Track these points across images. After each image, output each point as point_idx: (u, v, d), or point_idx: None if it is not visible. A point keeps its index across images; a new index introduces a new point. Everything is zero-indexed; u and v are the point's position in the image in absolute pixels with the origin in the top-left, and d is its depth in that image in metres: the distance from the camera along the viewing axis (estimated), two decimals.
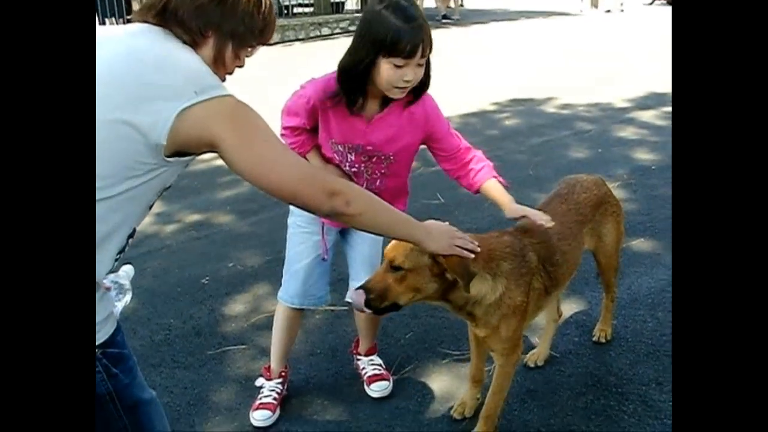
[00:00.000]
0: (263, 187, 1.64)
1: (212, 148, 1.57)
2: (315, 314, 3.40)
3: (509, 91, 8.84)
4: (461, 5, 21.84)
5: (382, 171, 2.49)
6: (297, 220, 2.63)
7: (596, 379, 2.87)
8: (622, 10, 20.39)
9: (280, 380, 2.80)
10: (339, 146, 2.44)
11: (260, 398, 2.75)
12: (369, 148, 2.42)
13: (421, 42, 2.16)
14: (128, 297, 1.92)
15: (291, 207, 2.52)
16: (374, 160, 2.45)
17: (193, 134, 1.53)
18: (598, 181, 2.87)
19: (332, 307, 3.38)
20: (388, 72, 2.19)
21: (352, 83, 2.27)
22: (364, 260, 2.68)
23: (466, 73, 9.99)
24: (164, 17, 1.62)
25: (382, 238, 2.60)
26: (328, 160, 2.51)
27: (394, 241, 2.16)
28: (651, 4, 27.22)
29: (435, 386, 2.89)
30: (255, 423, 2.70)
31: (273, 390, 2.77)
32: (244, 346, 3.23)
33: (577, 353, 3.07)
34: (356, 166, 2.48)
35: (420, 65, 2.23)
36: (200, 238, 4.56)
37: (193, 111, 1.50)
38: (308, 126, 2.44)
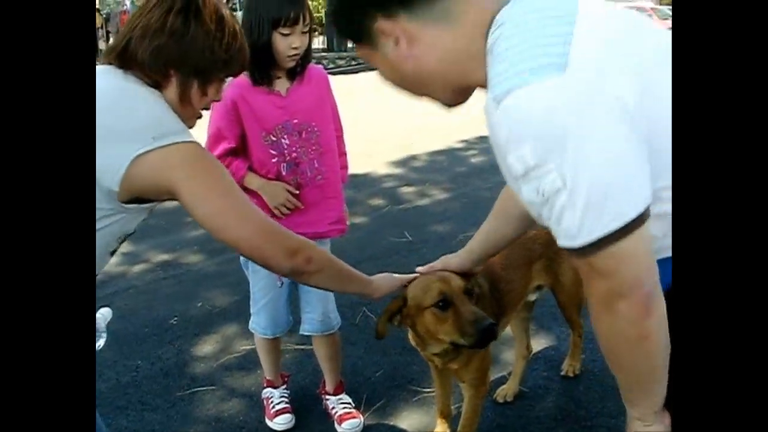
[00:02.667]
0: (222, 241, 1.61)
1: (171, 196, 1.53)
2: (285, 354, 3.38)
3: (476, 128, 8.94)
4: None
5: (314, 148, 2.60)
6: None
7: (566, 414, 2.88)
8: None
9: (284, 386, 2.98)
10: (271, 136, 2.54)
11: (273, 406, 2.91)
12: (295, 121, 2.55)
13: (301, 10, 2.40)
14: (102, 341, 1.84)
15: None
16: (304, 136, 2.57)
17: (149, 181, 1.49)
18: None
19: (302, 346, 3.37)
20: (278, 42, 2.40)
21: (262, 60, 2.42)
22: (318, 291, 2.69)
23: (433, 111, 10.09)
24: (125, 60, 1.59)
25: None
26: (266, 177, 2.57)
27: (429, 288, 2.07)
28: None
29: (405, 424, 2.88)
30: (279, 428, 2.86)
31: (283, 396, 2.94)
32: (213, 387, 3.20)
33: (547, 388, 3.08)
34: (294, 150, 2.57)
35: (304, 33, 2.44)
36: (168, 278, 4.53)
37: (149, 157, 1.46)
38: (235, 143, 2.54)
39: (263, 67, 2.46)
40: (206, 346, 3.59)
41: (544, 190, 1.14)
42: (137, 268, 4.70)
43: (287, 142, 2.55)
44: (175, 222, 5.54)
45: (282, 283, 2.69)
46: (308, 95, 2.58)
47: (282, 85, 2.54)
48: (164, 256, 4.91)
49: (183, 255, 4.92)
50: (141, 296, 4.23)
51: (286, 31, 2.38)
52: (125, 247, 5.01)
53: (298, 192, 2.58)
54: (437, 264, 2.19)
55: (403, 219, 5.36)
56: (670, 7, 31.31)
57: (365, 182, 6.58)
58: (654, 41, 1.27)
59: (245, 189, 2.54)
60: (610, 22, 1.25)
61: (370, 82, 7.84)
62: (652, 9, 29.29)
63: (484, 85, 1.27)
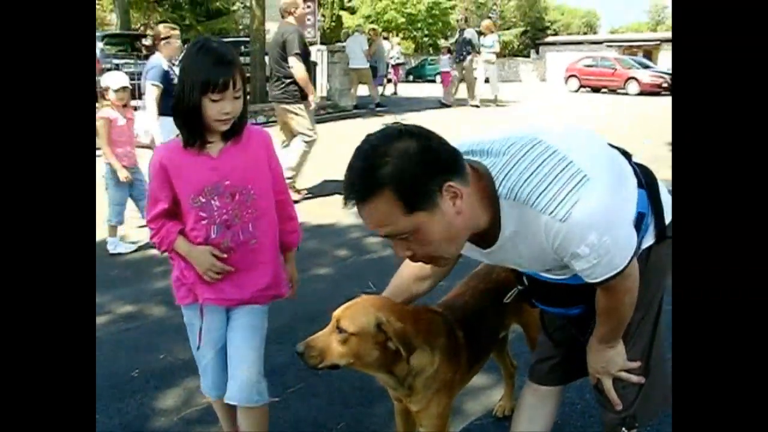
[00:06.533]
0: None
1: None
2: None
3: None
4: (395, 93, 22.45)
5: (249, 211, 2.52)
6: (187, 319, 2.69)
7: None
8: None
9: None
10: (200, 197, 2.47)
11: None
12: (227, 183, 2.47)
13: (231, 76, 2.33)
14: None
15: (183, 305, 2.68)
16: (237, 198, 2.49)
17: None
18: None
19: None
20: (209, 108, 2.34)
21: (192, 123, 2.39)
22: (242, 358, 2.62)
23: None
24: None
25: (264, 334, 2.70)
26: (195, 240, 2.52)
27: (347, 303, 2.27)
28: (577, 91, 28.44)
29: None
30: None
31: None
32: None
33: None
34: (225, 212, 2.49)
35: (236, 98, 2.38)
36: (130, 330, 4.50)
37: None
38: (167, 204, 2.50)
39: (194, 130, 2.41)
40: (168, 400, 3.56)
41: (599, 256, 1.76)
42: (100, 319, 4.65)
43: (218, 204, 2.47)
44: (140, 273, 5.51)
45: (199, 347, 2.66)
46: (243, 157, 2.51)
47: (214, 146, 2.47)
48: (128, 308, 4.87)
49: (147, 306, 4.89)
50: (102, 348, 4.17)
51: (215, 96, 2.32)
52: None
53: (225, 256, 2.51)
54: None
55: (368, 269, 5.39)
56: (633, 58, 32.10)
57: (330, 232, 6.62)
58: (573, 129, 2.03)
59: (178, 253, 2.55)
60: (562, 134, 1.92)
61: (338, 131, 7.97)
62: (615, 59, 30.00)
63: (481, 230, 1.84)
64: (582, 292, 2.03)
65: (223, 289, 2.55)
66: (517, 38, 56.22)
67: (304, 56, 7.55)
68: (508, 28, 57.09)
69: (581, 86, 28.66)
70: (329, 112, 16.06)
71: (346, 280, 5.26)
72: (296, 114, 7.56)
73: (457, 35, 18.48)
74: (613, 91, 27.26)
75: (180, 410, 3.45)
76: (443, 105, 17.65)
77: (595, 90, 28.03)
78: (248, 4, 21.86)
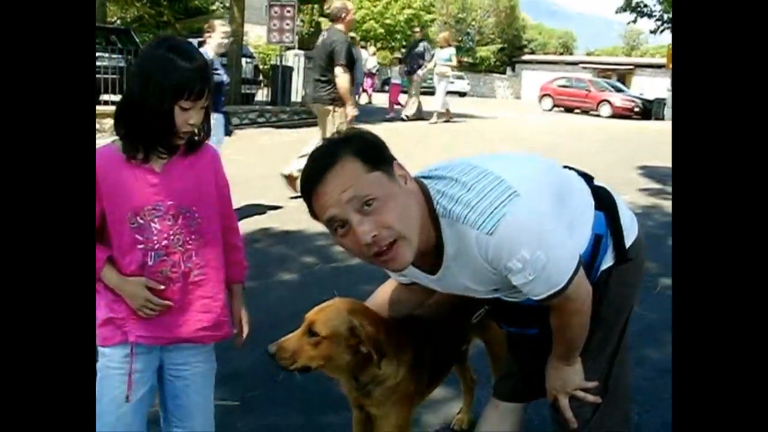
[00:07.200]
0: None
1: None
2: None
3: None
4: (369, 103, 22.52)
5: (193, 237, 2.19)
6: (105, 362, 2.18)
7: None
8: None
9: None
10: (138, 218, 2.12)
11: None
12: (170, 203, 2.15)
13: (207, 84, 2.09)
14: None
15: (100, 348, 2.17)
16: (180, 222, 2.17)
17: None
18: None
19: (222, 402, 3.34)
20: (177, 116, 2.06)
21: (153, 133, 2.09)
22: (198, 408, 2.33)
23: None
24: None
25: (212, 383, 2.38)
26: (127, 268, 2.15)
27: (318, 306, 2.27)
28: (550, 110, 28.72)
29: None
30: None
31: None
32: None
33: None
34: (165, 237, 2.16)
35: (202, 108, 2.12)
36: None
37: None
38: (95, 223, 2.11)
39: (152, 140, 2.10)
40: None
41: (535, 271, 1.78)
42: None
43: (158, 227, 2.13)
44: None
45: (128, 398, 2.16)
46: (189, 174, 2.20)
47: (159, 160, 2.15)
48: None
49: None
50: None
51: (186, 105, 2.04)
52: None
53: (162, 287, 2.15)
54: None
55: (333, 277, 5.39)
56: (607, 81, 32.51)
57: (298, 239, 6.60)
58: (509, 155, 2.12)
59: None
60: (500, 159, 2.01)
61: (311, 135, 8.00)
62: (589, 81, 30.37)
63: (429, 248, 1.87)
64: (537, 312, 2.05)
65: (158, 326, 2.18)
66: (494, 54, 56.68)
67: (350, 66, 7.83)
68: (485, 44, 57.58)
69: (555, 106, 28.97)
70: (303, 117, 15.98)
71: (312, 287, 5.25)
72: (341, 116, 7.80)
73: (410, 45, 18.03)
74: (585, 113, 27.55)
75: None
76: (418, 118, 17.42)
77: (569, 110, 28.33)
78: (227, 4, 21.83)
